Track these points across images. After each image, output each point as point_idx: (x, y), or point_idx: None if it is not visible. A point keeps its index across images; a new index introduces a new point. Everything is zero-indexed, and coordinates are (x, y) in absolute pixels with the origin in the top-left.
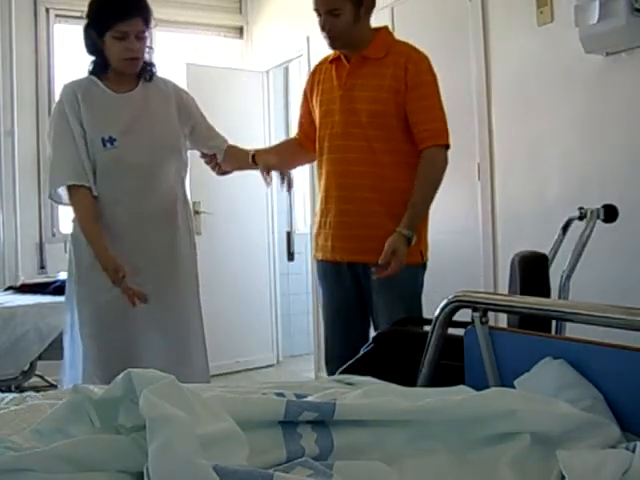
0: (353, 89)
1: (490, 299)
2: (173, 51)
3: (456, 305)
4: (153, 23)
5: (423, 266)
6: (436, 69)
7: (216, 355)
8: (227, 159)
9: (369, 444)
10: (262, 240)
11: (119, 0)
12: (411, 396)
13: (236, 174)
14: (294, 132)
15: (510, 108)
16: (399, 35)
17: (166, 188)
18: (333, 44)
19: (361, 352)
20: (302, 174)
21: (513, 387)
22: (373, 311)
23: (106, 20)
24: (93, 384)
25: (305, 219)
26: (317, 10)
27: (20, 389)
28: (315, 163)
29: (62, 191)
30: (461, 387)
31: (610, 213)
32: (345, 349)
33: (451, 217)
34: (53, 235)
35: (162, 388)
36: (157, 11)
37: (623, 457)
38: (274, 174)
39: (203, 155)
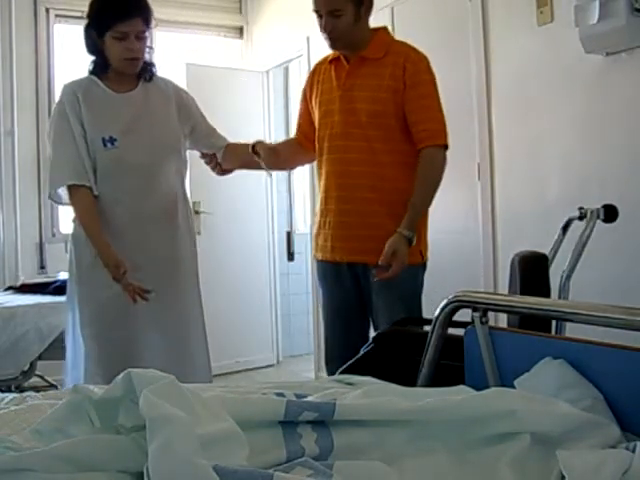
0: (352, 89)
1: (490, 299)
2: (173, 51)
3: (456, 305)
4: (153, 23)
5: (423, 266)
6: (436, 69)
7: (216, 355)
8: (227, 156)
9: (369, 444)
10: (262, 240)
11: (119, 0)
12: (411, 396)
13: (236, 174)
14: (294, 132)
15: (510, 108)
16: (399, 35)
17: (166, 188)
18: (334, 45)
19: (361, 352)
20: (302, 174)
21: (513, 387)
22: (373, 311)
23: (106, 20)
24: (95, 384)
25: (305, 219)
26: (317, 11)
27: (20, 389)
28: (315, 163)
29: (62, 191)
30: (461, 387)
31: (610, 213)
32: (345, 349)
33: (451, 217)
34: (53, 235)
35: (162, 388)
36: (157, 11)
37: (623, 457)
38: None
39: (203, 155)
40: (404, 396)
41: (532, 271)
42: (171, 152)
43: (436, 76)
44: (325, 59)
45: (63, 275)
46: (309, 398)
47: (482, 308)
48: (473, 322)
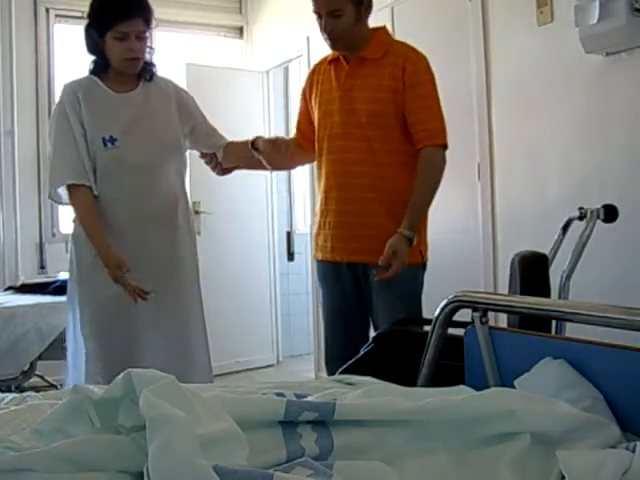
0: (352, 90)
1: (490, 299)
2: (173, 51)
3: (456, 305)
4: (154, 23)
5: (423, 266)
6: (436, 69)
7: (216, 355)
8: (227, 155)
9: (369, 444)
10: (262, 240)
11: (120, 0)
12: (411, 396)
13: (236, 174)
14: (293, 132)
15: (510, 108)
16: (399, 35)
17: (167, 188)
18: (334, 45)
19: (361, 352)
20: (302, 174)
21: (513, 387)
22: (373, 311)
23: (107, 20)
24: (96, 384)
25: (305, 219)
26: (317, 12)
27: (20, 389)
28: (315, 164)
29: (62, 191)
30: (461, 387)
31: (610, 213)
32: (345, 349)
33: (451, 217)
34: (53, 235)
35: (162, 388)
36: (157, 11)
37: (623, 457)
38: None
39: (203, 155)
40: (404, 396)
41: (532, 271)
42: (171, 152)
43: (436, 76)
44: (324, 59)
45: (63, 275)
46: (309, 398)
47: (482, 308)
48: (473, 322)
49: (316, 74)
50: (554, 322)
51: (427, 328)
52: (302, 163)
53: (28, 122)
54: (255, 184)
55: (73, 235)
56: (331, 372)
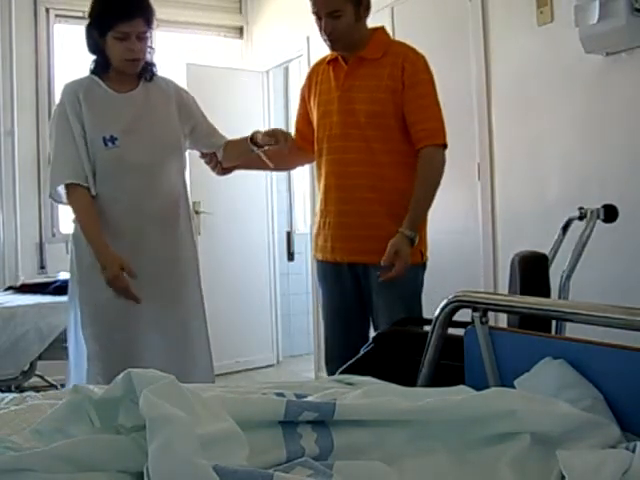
0: (351, 90)
1: (490, 299)
2: (173, 51)
3: (456, 305)
4: (155, 23)
5: (423, 266)
6: (436, 69)
7: (216, 355)
8: (227, 153)
9: (369, 444)
10: (262, 240)
11: (121, 1)
12: (411, 396)
13: (236, 174)
14: (293, 133)
15: (510, 108)
16: (399, 35)
17: (167, 188)
18: (334, 46)
19: (361, 352)
20: (302, 174)
21: (513, 387)
22: (373, 311)
23: (108, 20)
24: (96, 384)
25: (305, 219)
26: (316, 13)
27: (20, 389)
28: (314, 164)
29: (62, 190)
30: (461, 387)
31: (610, 213)
32: (345, 349)
33: (451, 217)
34: (53, 235)
35: (162, 388)
36: (157, 11)
37: (623, 457)
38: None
39: (203, 155)
40: (404, 396)
41: (532, 271)
42: (172, 152)
43: (436, 76)
44: (323, 60)
45: (63, 275)
46: (309, 398)
47: (482, 308)
48: (473, 322)
49: (315, 75)
50: (554, 322)
51: (427, 328)
52: (301, 164)
53: (28, 122)
54: (255, 184)
55: (73, 235)
56: (331, 372)
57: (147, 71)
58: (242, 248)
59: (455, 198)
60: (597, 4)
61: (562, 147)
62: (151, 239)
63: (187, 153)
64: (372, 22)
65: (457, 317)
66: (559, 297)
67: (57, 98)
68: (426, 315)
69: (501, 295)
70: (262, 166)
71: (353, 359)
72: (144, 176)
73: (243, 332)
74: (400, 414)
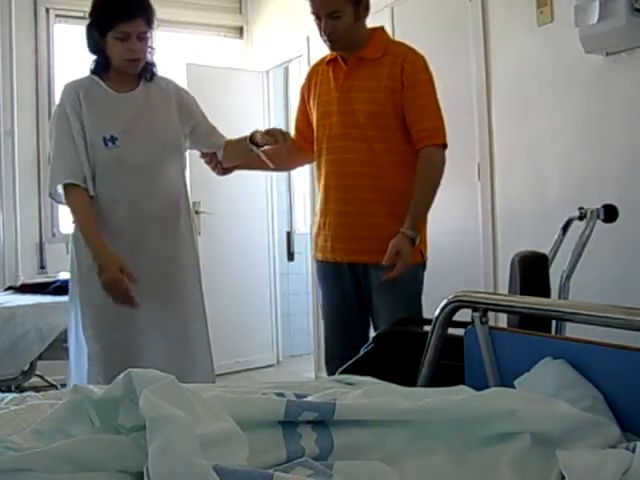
0: (350, 90)
1: (490, 299)
2: (173, 51)
3: (456, 305)
4: (155, 23)
5: (423, 265)
6: (436, 69)
7: (216, 355)
8: (227, 153)
9: (369, 444)
10: (262, 240)
11: (122, 1)
12: (411, 396)
13: (236, 174)
14: (293, 133)
15: (510, 108)
16: (399, 35)
17: (167, 187)
18: (334, 46)
19: (361, 352)
20: (302, 174)
21: (513, 387)
22: (373, 311)
23: (108, 20)
24: (96, 384)
25: (305, 219)
26: (316, 14)
27: (20, 389)
28: (314, 164)
29: (61, 190)
30: (461, 387)
31: (610, 213)
32: (345, 349)
33: (451, 217)
34: (53, 235)
35: (162, 388)
36: (157, 11)
37: (623, 457)
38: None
39: (203, 155)
40: (404, 396)
41: (532, 271)
42: (172, 151)
43: (436, 76)
44: (322, 60)
45: (63, 275)
46: (309, 398)
47: (482, 308)
48: (473, 322)
49: (314, 75)
50: (554, 322)
51: (427, 328)
52: (301, 164)
53: (28, 122)
54: (255, 184)
55: (74, 235)
56: (331, 372)
57: (147, 71)
58: (242, 248)
59: (455, 198)
60: (597, 4)
61: (562, 147)
62: (151, 239)
63: (187, 153)
64: (372, 22)
65: (457, 317)
66: (559, 297)
67: (57, 98)
68: (426, 315)
69: (501, 295)
70: (262, 166)
71: (353, 359)
72: (144, 176)
73: (243, 332)
74: (400, 414)
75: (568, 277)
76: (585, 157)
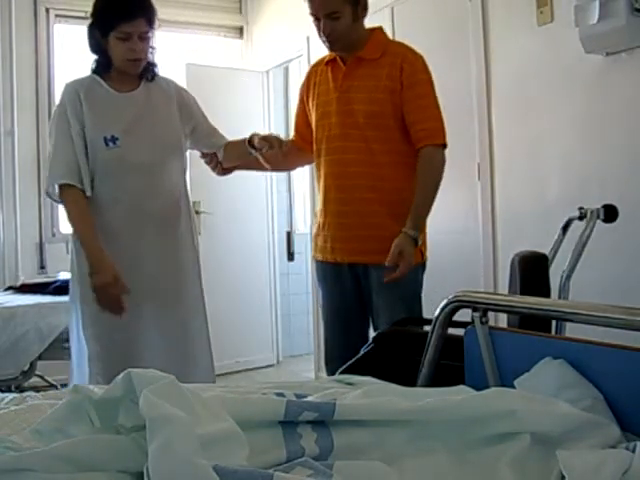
0: (349, 91)
1: (490, 299)
2: (173, 51)
3: (456, 305)
4: (157, 24)
5: (423, 265)
6: (436, 69)
7: (216, 355)
8: (226, 154)
9: (369, 444)
10: (262, 240)
11: (123, 1)
12: (411, 396)
13: (236, 174)
14: (293, 133)
15: (510, 108)
16: (399, 35)
17: (169, 188)
18: (333, 47)
19: (361, 352)
20: (302, 174)
21: (513, 387)
22: (373, 311)
23: (110, 20)
24: (96, 384)
25: (305, 219)
26: (314, 14)
27: (20, 389)
28: (314, 165)
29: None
30: (461, 387)
31: (610, 213)
32: (345, 349)
33: (451, 217)
34: (53, 235)
35: (162, 388)
36: (157, 11)
37: (623, 457)
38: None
39: (203, 155)
40: (404, 396)
41: (532, 271)
42: (172, 151)
43: (436, 76)
44: (321, 60)
45: (63, 275)
46: (309, 398)
47: (482, 308)
48: (473, 322)
49: (313, 76)
50: (554, 322)
51: (427, 328)
52: (301, 164)
53: (28, 122)
54: (255, 184)
55: (74, 235)
56: (331, 372)
57: (148, 71)
58: (242, 248)
59: (455, 198)
60: (597, 4)
61: (562, 147)
62: (151, 239)
63: (187, 153)
64: (372, 22)
65: (457, 317)
66: (559, 297)
67: (57, 98)
68: (426, 315)
69: (501, 295)
70: (261, 167)
71: (353, 359)
72: (145, 176)
73: (243, 332)
74: (400, 414)
75: (568, 277)
76: (585, 157)
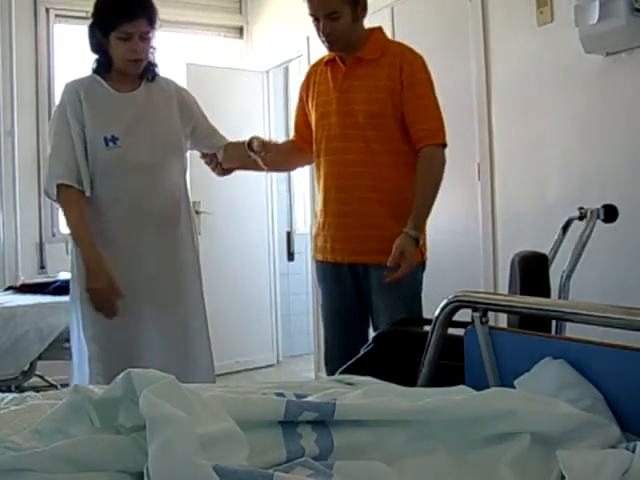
0: (349, 91)
1: (490, 299)
2: (173, 51)
3: (456, 305)
4: (158, 24)
5: (422, 265)
6: (436, 69)
7: (216, 355)
8: (226, 156)
9: (369, 444)
10: (262, 240)
11: (124, 1)
12: (411, 396)
13: (236, 174)
14: (292, 134)
15: (510, 108)
16: (399, 35)
17: (169, 188)
18: (332, 47)
19: (361, 352)
20: (302, 174)
21: (513, 387)
22: (373, 311)
23: (111, 20)
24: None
25: (305, 219)
26: (314, 15)
27: (20, 389)
28: (313, 165)
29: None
30: (461, 387)
31: (610, 213)
32: (345, 349)
33: (451, 217)
34: (53, 235)
35: (162, 388)
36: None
37: (623, 457)
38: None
39: (203, 155)
40: (404, 396)
41: (532, 271)
42: (173, 151)
43: (436, 76)
44: (321, 61)
45: (63, 275)
46: (309, 398)
47: (482, 308)
48: (473, 322)
49: (313, 76)
50: (554, 322)
51: (427, 328)
52: (301, 165)
53: (28, 122)
54: (255, 184)
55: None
56: (331, 372)
57: (149, 71)
58: (242, 248)
59: (455, 198)
60: (597, 4)
61: (562, 147)
62: (151, 239)
63: (187, 154)
64: (372, 22)
65: (457, 317)
66: (559, 297)
67: (57, 98)
68: (426, 315)
69: (501, 295)
70: (260, 168)
71: (353, 359)
72: (145, 176)
73: (243, 332)
74: (400, 414)
75: (568, 277)
76: (585, 157)
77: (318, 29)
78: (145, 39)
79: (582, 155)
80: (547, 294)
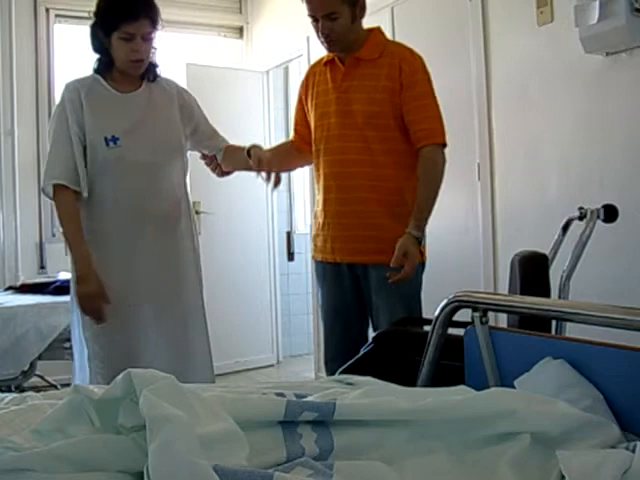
0: (348, 91)
1: (490, 299)
2: (173, 51)
3: (456, 305)
4: (160, 24)
5: (422, 265)
6: (436, 69)
7: (216, 355)
8: (225, 159)
9: (369, 444)
10: (262, 240)
11: (127, 1)
12: (411, 396)
13: (236, 174)
14: (291, 134)
15: (510, 108)
16: (399, 35)
17: (169, 188)
18: (331, 47)
19: (361, 352)
20: (302, 174)
21: (513, 387)
22: (373, 311)
23: (113, 20)
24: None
25: (305, 219)
26: (313, 15)
27: (20, 389)
28: (313, 165)
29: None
30: (461, 387)
31: (610, 213)
32: (344, 349)
33: (451, 217)
34: (53, 235)
35: (162, 388)
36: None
37: (623, 457)
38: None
39: (203, 156)
40: (404, 396)
41: (532, 271)
42: (173, 152)
43: (436, 76)
44: (320, 61)
45: (63, 275)
46: (309, 398)
47: (482, 308)
48: (473, 322)
49: (312, 76)
50: (554, 322)
51: (427, 328)
52: (301, 165)
53: (28, 122)
54: (255, 184)
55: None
56: (331, 372)
57: (150, 72)
58: (242, 248)
59: (455, 198)
60: (597, 4)
61: (562, 147)
62: (151, 239)
63: (188, 154)
64: (372, 22)
65: (457, 317)
66: (559, 297)
67: (57, 98)
68: (426, 315)
69: (501, 295)
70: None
71: (353, 359)
72: (145, 176)
73: (243, 332)
74: (400, 414)
75: (568, 277)
76: (585, 157)
77: (317, 29)
78: (147, 40)
79: (582, 155)
80: (547, 294)
